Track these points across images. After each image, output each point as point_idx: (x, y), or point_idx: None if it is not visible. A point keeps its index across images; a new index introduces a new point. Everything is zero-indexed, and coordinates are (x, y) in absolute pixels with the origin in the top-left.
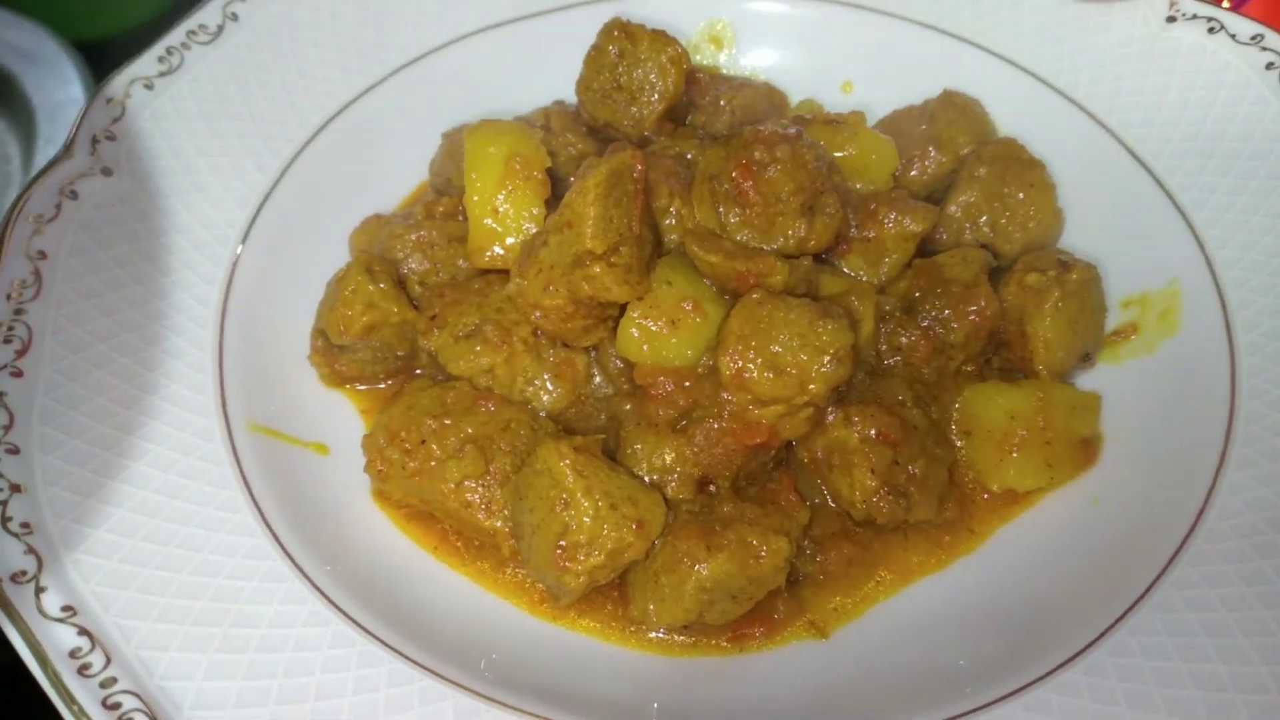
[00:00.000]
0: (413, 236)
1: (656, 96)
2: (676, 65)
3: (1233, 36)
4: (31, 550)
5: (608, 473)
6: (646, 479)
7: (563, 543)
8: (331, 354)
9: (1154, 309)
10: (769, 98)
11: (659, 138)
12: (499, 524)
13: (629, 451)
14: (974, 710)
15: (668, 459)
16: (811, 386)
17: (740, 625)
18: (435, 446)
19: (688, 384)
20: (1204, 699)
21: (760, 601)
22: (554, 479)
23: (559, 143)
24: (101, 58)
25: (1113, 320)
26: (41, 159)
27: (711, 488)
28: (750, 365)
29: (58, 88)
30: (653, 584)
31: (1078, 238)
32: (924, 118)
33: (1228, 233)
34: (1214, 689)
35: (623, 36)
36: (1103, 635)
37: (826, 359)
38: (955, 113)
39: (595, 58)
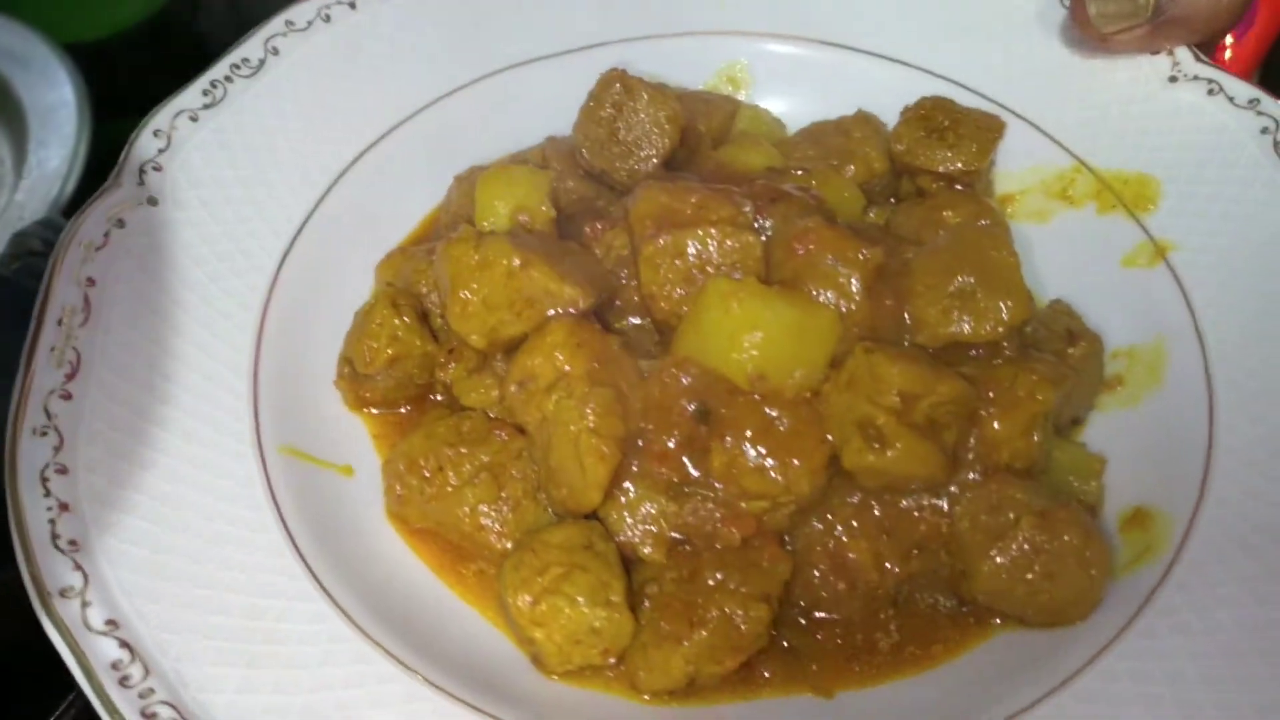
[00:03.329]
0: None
1: (653, 153)
2: (674, 124)
3: (1231, 99)
4: (78, 567)
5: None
6: (628, 530)
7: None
8: (357, 381)
9: (1141, 363)
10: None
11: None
12: (509, 545)
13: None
14: None
15: (652, 510)
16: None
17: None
18: (451, 474)
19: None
20: None
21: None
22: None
23: (559, 188)
24: (92, 60)
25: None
26: (33, 160)
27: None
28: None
29: (49, 90)
30: (641, 655)
31: (1072, 288)
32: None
33: (1215, 293)
34: None
35: (621, 90)
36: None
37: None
38: (869, 130)
39: (593, 109)
